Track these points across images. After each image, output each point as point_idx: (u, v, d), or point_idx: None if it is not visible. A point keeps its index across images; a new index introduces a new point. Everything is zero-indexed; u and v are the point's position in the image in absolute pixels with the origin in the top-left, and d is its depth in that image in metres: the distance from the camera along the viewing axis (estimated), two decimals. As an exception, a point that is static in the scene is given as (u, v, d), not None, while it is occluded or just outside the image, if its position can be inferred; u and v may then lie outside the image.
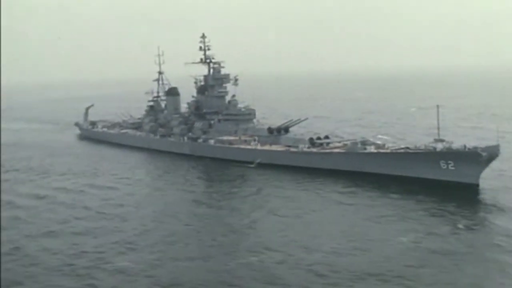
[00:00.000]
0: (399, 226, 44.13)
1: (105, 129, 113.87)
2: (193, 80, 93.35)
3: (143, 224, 47.09)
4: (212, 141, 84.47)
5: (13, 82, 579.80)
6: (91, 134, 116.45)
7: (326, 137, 77.06)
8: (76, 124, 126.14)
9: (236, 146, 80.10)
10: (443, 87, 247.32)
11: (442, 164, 60.37)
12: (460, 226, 43.14)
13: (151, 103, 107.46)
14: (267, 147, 77.32)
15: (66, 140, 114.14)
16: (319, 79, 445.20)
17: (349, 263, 35.87)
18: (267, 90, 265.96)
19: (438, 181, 60.39)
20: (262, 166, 74.13)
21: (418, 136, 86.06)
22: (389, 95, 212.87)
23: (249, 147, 78.60)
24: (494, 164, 59.60)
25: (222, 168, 75.85)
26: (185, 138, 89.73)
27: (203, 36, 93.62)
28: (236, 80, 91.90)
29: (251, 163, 75.32)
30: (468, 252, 37.68)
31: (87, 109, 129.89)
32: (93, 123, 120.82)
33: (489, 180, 58.34)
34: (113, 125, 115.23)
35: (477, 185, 57.80)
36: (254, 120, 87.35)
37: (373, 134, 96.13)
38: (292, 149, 74.28)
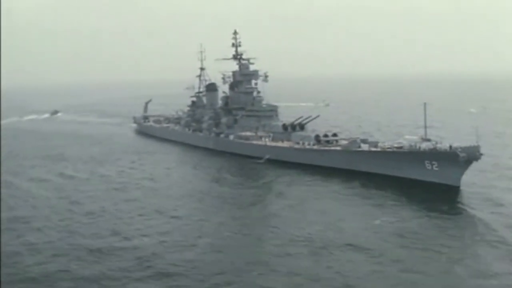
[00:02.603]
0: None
1: (152, 124, 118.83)
2: (221, 76, 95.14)
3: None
4: (232, 137, 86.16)
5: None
6: (143, 128, 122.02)
7: (334, 134, 76.15)
8: (134, 119, 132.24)
9: (249, 142, 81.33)
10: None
11: (427, 165, 58.35)
12: (377, 222, 43.45)
13: (194, 99, 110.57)
14: (275, 143, 77.83)
15: (118, 133, 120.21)
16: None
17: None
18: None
19: (423, 182, 58.51)
20: (270, 162, 74.88)
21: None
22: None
23: (260, 143, 79.55)
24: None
25: (231, 163, 77.38)
26: (212, 133, 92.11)
27: (235, 33, 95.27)
28: (266, 76, 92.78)
29: (261, 158, 76.33)
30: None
31: (146, 104, 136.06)
32: (146, 118, 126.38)
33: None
34: (161, 120, 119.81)
35: (458, 188, 55.34)
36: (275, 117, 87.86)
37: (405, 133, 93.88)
38: (296, 146, 74.34)
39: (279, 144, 77.37)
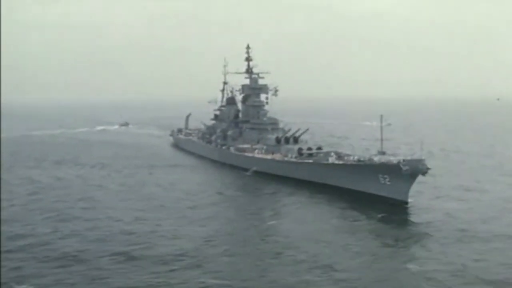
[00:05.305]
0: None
1: (180, 136, 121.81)
2: (230, 90, 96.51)
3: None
4: (232, 149, 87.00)
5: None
6: (175, 141, 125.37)
7: (319, 148, 75.05)
8: (171, 132, 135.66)
9: (241, 154, 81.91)
10: None
11: (381, 178, 56.63)
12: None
13: (217, 112, 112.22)
14: (261, 156, 77.89)
15: (153, 144, 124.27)
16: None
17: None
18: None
19: (378, 196, 56.70)
20: (257, 174, 75.05)
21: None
22: None
23: (249, 155, 79.90)
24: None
25: (222, 174, 78.05)
26: (218, 145, 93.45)
27: (248, 47, 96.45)
28: (276, 91, 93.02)
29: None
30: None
31: (187, 117, 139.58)
32: (180, 131, 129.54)
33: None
34: (191, 133, 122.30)
35: (406, 203, 53.14)
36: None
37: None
38: (277, 159, 74.06)
39: (265, 156, 77.36)
